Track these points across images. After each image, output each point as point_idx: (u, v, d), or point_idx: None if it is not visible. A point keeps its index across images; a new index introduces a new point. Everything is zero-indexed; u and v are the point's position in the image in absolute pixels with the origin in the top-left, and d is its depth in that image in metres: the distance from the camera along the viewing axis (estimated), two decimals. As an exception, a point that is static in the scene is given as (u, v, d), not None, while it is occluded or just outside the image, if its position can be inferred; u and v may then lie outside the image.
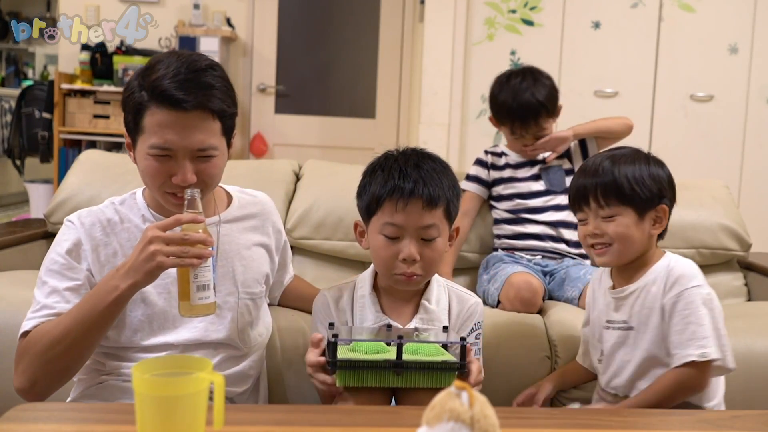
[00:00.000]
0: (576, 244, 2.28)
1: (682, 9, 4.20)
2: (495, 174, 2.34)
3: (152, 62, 1.39)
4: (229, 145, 1.47)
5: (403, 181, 1.39)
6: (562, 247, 2.26)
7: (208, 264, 1.28)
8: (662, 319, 1.48)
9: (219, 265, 1.49)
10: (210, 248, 1.29)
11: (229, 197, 1.61)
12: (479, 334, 1.51)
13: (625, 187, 1.49)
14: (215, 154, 1.40)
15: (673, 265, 1.51)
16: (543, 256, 2.24)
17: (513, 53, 4.23)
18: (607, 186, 1.50)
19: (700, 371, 1.42)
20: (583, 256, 2.27)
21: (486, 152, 2.39)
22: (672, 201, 1.55)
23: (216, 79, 1.39)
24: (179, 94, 1.33)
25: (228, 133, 1.45)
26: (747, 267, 2.36)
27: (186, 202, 1.30)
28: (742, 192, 4.24)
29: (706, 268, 2.29)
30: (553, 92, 2.30)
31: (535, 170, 2.32)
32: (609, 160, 1.52)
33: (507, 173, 2.33)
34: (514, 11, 4.23)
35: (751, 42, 4.20)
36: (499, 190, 2.33)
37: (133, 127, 1.39)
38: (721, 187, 2.46)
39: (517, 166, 2.34)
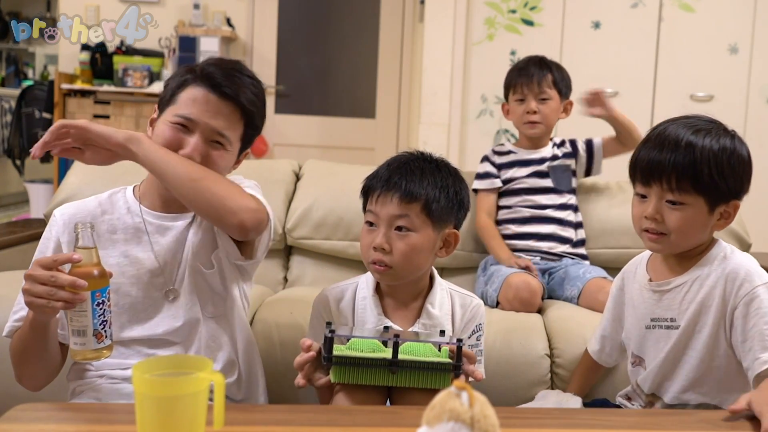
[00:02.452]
0: (577, 244, 2.28)
1: (682, 9, 4.20)
2: (504, 174, 2.35)
3: (205, 60, 1.51)
4: (239, 158, 1.53)
5: (386, 173, 1.45)
6: (564, 248, 2.26)
7: (84, 309, 1.20)
8: (722, 319, 1.34)
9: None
10: (83, 293, 1.19)
11: None
12: (480, 335, 1.51)
13: (705, 174, 1.30)
14: (227, 147, 1.45)
15: (736, 260, 1.35)
16: (541, 258, 2.24)
17: (513, 53, 4.23)
18: (685, 168, 1.30)
19: None
20: (583, 257, 2.27)
21: (493, 152, 2.40)
22: (746, 193, 1.38)
23: (256, 89, 1.48)
24: (221, 79, 1.43)
25: (245, 142, 1.50)
26: (747, 267, 2.35)
27: (75, 236, 1.23)
28: (742, 192, 4.24)
29: (706, 268, 2.29)
30: (564, 72, 2.36)
31: (543, 167, 2.32)
32: (692, 134, 1.32)
33: (513, 170, 2.34)
34: (514, 11, 4.23)
35: (751, 42, 4.20)
36: (508, 186, 2.34)
37: (168, 98, 1.46)
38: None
39: (524, 163, 2.34)
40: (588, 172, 2.37)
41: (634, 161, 1.38)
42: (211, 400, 0.93)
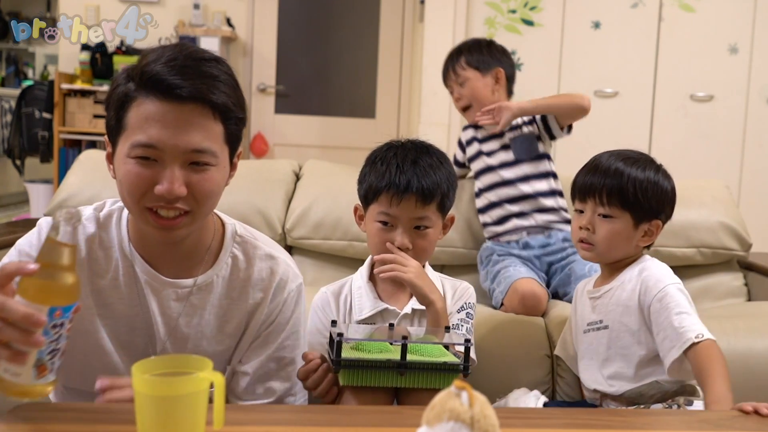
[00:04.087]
0: (558, 210, 2.26)
1: (682, 9, 4.20)
2: (469, 150, 2.36)
3: (144, 52, 1.16)
4: (232, 161, 1.21)
5: (399, 177, 1.45)
6: (547, 217, 2.24)
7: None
8: (642, 316, 1.49)
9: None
10: (40, 329, 0.89)
11: (221, 246, 1.27)
12: (468, 313, 1.53)
13: (630, 192, 1.51)
14: (213, 162, 1.13)
15: (652, 267, 1.52)
16: (528, 233, 2.24)
17: (513, 53, 4.22)
18: (613, 188, 1.52)
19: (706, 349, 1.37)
20: (567, 221, 2.26)
21: (463, 128, 2.42)
22: (668, 217, 1.57)
23: (221, 72, 1.14)
24: (173, 79, 1.08)
25: (232, 142, 1.18)
26: (747, 267, 2.36)
27: (54, 224, 0.92)
28: (742, 192, 4.24)
29: (707, 267, 2.30)
30: (484, 46, 2.35)
31: (505, 140, 2.30)
32: (621, 162, 1.54)
33: (476, 147, 2.34)
34: (514, 11, 4.23)
35: (751, 42, 4.20)
36: (475, 166, 2.34)
37: (115, 125, 1.13)
38: (722, 186, 2.46)
39: (485, 140, 2.32)
40: (552, 135, 2.29)
41: (574, 183, 1.59)
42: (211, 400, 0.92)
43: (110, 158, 1.18)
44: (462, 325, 1.51)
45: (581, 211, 1.57)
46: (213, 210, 1.22)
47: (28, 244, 1.22)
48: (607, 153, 1.59)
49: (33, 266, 0.89)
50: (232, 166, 1.22)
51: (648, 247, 1.58)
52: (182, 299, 1.23)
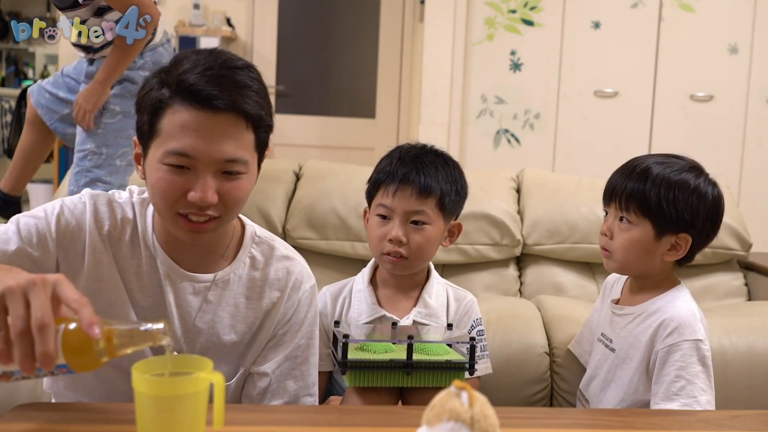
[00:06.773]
0: None
1: (682, 9, 4.20)
2: None
3: (177, 57, 1.16)
4: (259, 166, 1.22)
5: (398, 168, 1.46)
6: None
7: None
8: (647, 357, 1.41)
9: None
10: (42, 371, 0.89)
11: (239, 245, 1.29)
12: (481, 330, 1.53)
13: (652, 200, 1.38)
14: (244, 171, 1.16)
15: (677, 310, 1.40)
16: None
17: (513, 53, 4.23)
18: (634, 191, 1.39)
19: None
20: None
21: None
22: (702, 233, 1.42)
23: (254, 81, 1.16)
24: (210, 89, 1.10)
25: (261, 148, 1.20)
26: (747, 267, 2.36)
27: (154, 329, 0.91)
28: (742, 192, 4.24)
29: (707, 267, 2.30)
30: None
31: None
32: (655, 163, 1.41)
33: None
34: (514, 11, 4.23)
35: (751, 42, 4.20)
36: None
37: (148, 130, 1.15)
38: (722, 186, 2.46)
39: None
40: None
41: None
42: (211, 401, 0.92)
43: (139, 159, 1.20)
44: (475, 344, 1.50)
45: (606, 215, 1.47)
46: (239, 213, 1.25)
47: (72, 206, 1.22)
48: (648, 155, 1.46)
49: (97, 332, 0.88)
50: (259, 167, 1.24)
51: (681, 262, 1.45)
52: (199, 294, 1.25)
